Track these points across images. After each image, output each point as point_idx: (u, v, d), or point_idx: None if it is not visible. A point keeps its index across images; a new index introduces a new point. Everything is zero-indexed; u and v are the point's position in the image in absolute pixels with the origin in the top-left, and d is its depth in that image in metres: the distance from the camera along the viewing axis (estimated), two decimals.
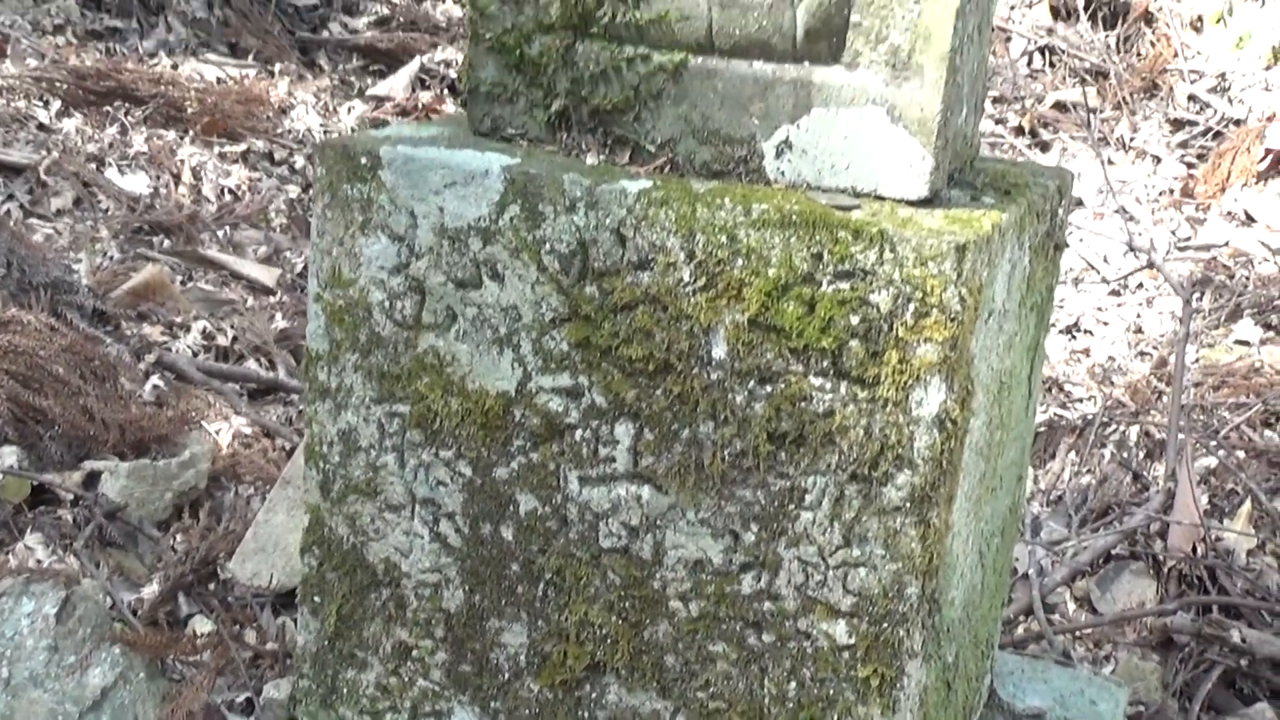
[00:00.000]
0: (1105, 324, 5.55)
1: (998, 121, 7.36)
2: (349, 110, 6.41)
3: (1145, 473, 4.26)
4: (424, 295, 2.03)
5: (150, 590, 3.22)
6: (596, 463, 2.00)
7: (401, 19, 7.44)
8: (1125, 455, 4.36)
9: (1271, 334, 5.31)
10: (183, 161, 5.36)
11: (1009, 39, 7.98)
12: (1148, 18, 7.95)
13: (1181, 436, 4.12)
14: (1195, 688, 3.37)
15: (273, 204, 5.37)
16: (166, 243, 4.86)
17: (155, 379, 3.94)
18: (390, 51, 7.05)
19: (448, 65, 6.94)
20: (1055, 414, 4.70)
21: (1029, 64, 7.91)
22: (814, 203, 1.87)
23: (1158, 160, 7.09)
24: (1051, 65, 7.88)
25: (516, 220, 1.95)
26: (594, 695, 2.11)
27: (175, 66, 6.18)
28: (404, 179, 2.00)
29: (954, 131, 1.96)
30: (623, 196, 1.91)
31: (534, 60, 2.03)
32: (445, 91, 6.78)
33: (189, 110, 5.61)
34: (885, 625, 1.93)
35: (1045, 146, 7.28)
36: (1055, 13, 8.18)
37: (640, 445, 1.97)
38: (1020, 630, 3.56)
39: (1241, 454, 4.32)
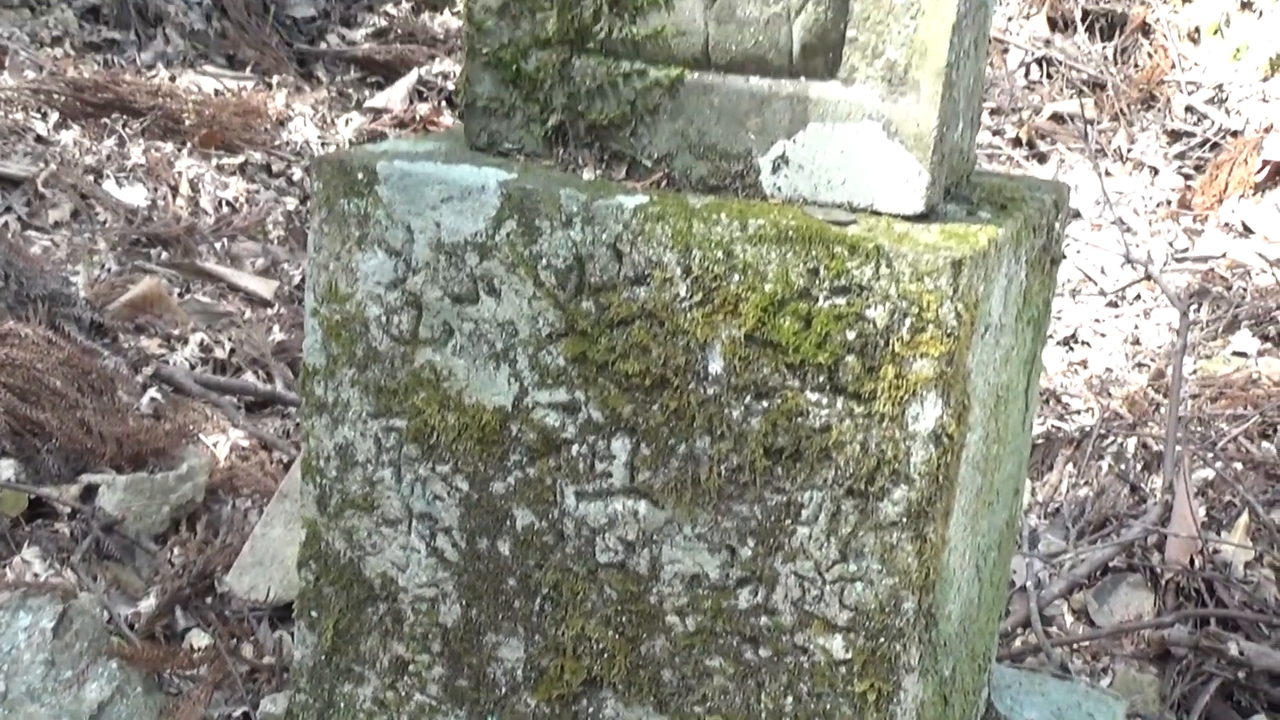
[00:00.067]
0: (1103, 335, 5.55)
1: (995, 133, 7.36)
2: (347, 122, 6.41)
3: (1143, 485, 4.26)
4: (421, 310, 2.03)
5: (147, 604, 3.21)
6: (593, 478, 2.00)
7: (399, 31, 7.44)
8: (1123, 467, 4.36)
9: (1269, 345, 5.31)
10: (180, 173, 5.37)
11: (1006, 50, 7.98)
12: (1145, 29, 7.96)
13: (1179, 448, 4.12)
14: (1193, 700, 3.37)
15: (270, 216, 5.37)
16: (164, 255, 4.86)
17: (153, 392, 3.94)
18: (388, 63, 7.06)
19: (445, 77, 6.94)
20: (1053, 426, 4.70)
21: (1026, 75, 7.91)
22: (810, 218, 1.87)
23: (1155, 172, 7.09)
24: (1049, 77, 7.88)
25: (513, 235, 1.95)
26: (591, 710, 2.11)
27: (173, 78, 6.19)
28: (400, 194, 2.00)
29: (950, 146, 1.96)
30: (619, 212, 1.91)
31: (530, 75, 2.04)
32: (443, 103, 6.78)
33: (187, 122, 5.62)
34: (882, 640, 1.93)
35: (1042, 158, 7.28)
36: (1053, 24, 8.19)
37: (637, 460, 1.97)
38: (1018, 643, 3.56)
39: (1239, 466, 4.32)
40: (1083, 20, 8.08)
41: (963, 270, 1.78)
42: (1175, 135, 7.34)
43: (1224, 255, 6.17)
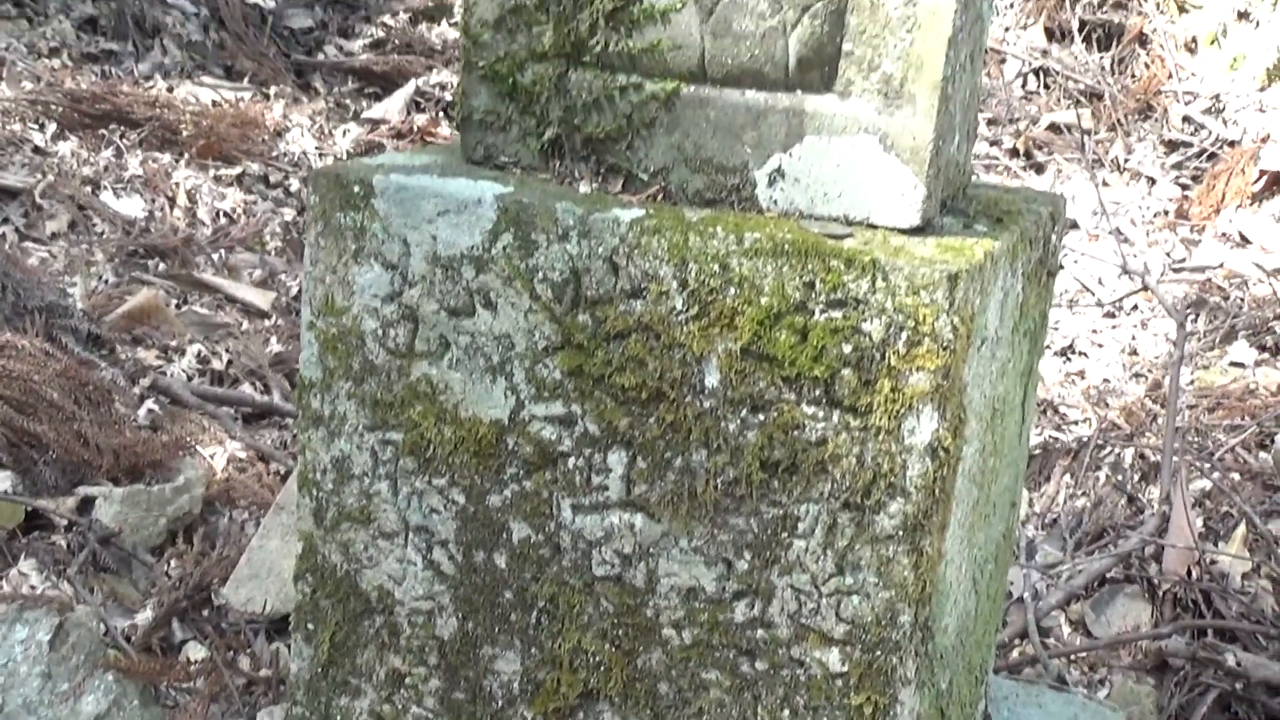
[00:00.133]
0: (1100, 346, 5.55)
1: (992, 143, 7.37)
2: (344, 133, 6.42)
3: (1140, 495, 4.26)
4: (417, 323, 2.03)
5: (144, 616, 3.21)
6: (589, 491, 2.00)
7: (397, 42, 7.45)
8: (1120, 478, 4.36)
9: (1266, 356, 5.31)
10: (178, 184, 5.37)
11: (1003, 61, 7.99)
12: (1142, 39, 7.97)
13: (1176, 459, 4.13)
14: (1190, 711, 3.37)
15: (268, 227, 5.38)
16: (161, 266, 4.86)
17: (150, 403, 3.94)
18: (386, 74, 7.07)
19: (443, 88, 6.95)
20: (1050, 436, 4.70)
21: (1023, 86, 7.93)
22: (806, 231, 1.87)
23: (1152, 182, 7.10)
24: (1046, 87, 7.89)
25: (509, 249, 1.96)
26: None
27: (171, 89, 6.19)
28: (397, 207, 2.00)
29: (946, 160, 1.96)
30: (615, 225, 1.91)
31: (527, 88, 2.04)
32: (441, 114, 6.79)
33: (184, 133, 5.62)
34: (878, 653, 1.93)
35: (1040, 168, 7.29)
36: (1050, 34, 8.20)
37: (633, 473, 1.97)
38: (1015, 654, 3.56)
39: (1236, 476, 4.32)
40: (1080, 30, 8.10)
41: (959, 284, 1.78)
42: (1172, 145, 7.35)
43: (1221, 265, 6.18)
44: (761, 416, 1.89)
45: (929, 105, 1.86)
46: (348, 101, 6.90)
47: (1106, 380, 5.23)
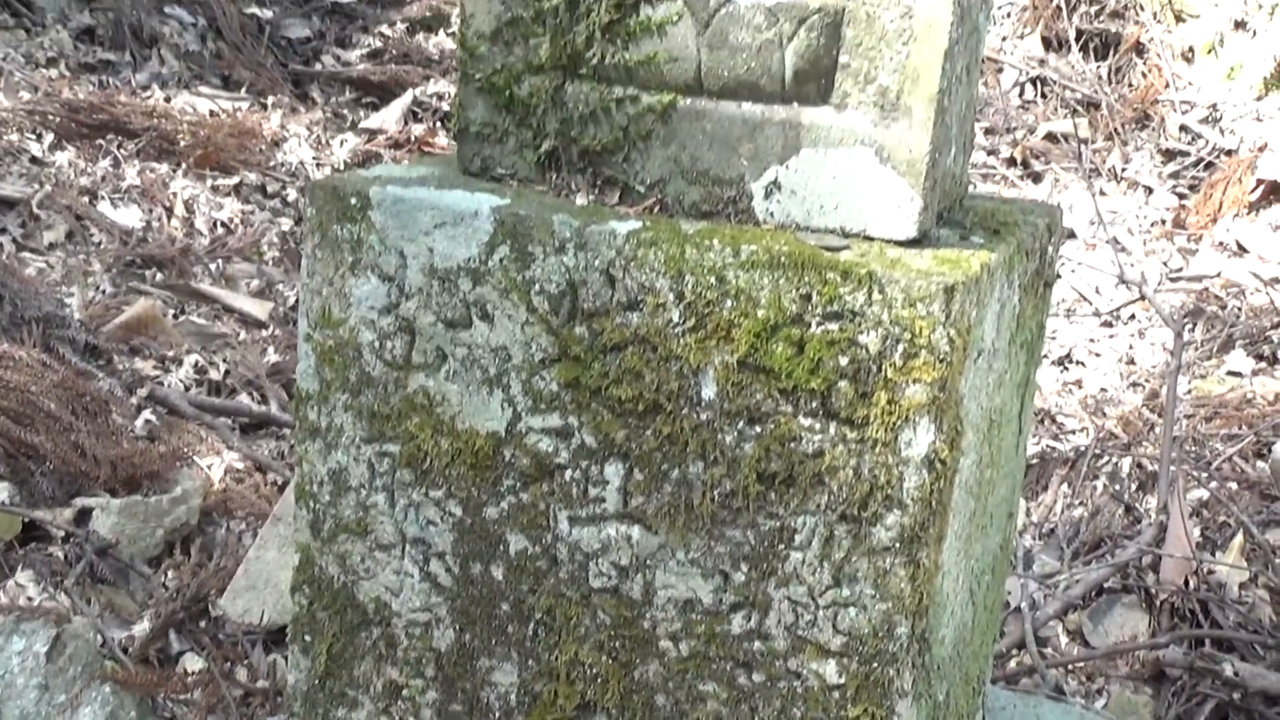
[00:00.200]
0: (1097, 355, 5.55)
1: (989, 153, 7.38)
2: (341, 143, 6.42)
3: (1138, 505, 4.26)
4: (414, 335, 2.03)
5: (141, 628, 3.21)
6: (586, 503, 2.00)
7: (394, 51, 7.45)
8: (1117, 487, 4.36)
9: (1263, 365, 5.32)
10: (175, 194, 5.37)
11: (1000, 70, 8.00)
12: (1139, 49, 7.98)
13: (1174, 469, 4.13)
14: None
15: (265, 237, 5.38)
16: (159, 276, 4.86)
17: (147, 414, 3.94)
18: (383, 84, 7.07)
19: (440, 98, 6.95)
20: (1047, 446, 4.70)
21: (1020, 95, 7.93)
22: (803, 244, 1.87)
23: (1149, 191, 7.10)
24: (1043, 96, 7.90)
25: (506, 261, 1.96)
26: None
27: (168, 99, 6.19)
28: (394, 219, 2.00)
29: (943, 171, 1.96)
30: (612, 237, 1.91)
31: (523, 101, 2.04)
32: (438, 124, 6.79)
33: (182, 143, 5.62)
34: (875, 665, 1.93)
35: (1037, 177, 7.29)
36: (1047, 44, 8.21)
37: (630, 485, 1.97)
38: (1013, 664, 3.56)
39: (1234, 486, 4.32)
40: (1077, 40, 8.10)
41: (955, 296, 1.78)
42: (1169, 154, 7.36)
43: (1218, 274, 6.18)
44: (758, 428, 1.89)
45: (925, 117, 1.86)
46: (345, 111, 6.90)
47: (1104, 389, 5.23)
